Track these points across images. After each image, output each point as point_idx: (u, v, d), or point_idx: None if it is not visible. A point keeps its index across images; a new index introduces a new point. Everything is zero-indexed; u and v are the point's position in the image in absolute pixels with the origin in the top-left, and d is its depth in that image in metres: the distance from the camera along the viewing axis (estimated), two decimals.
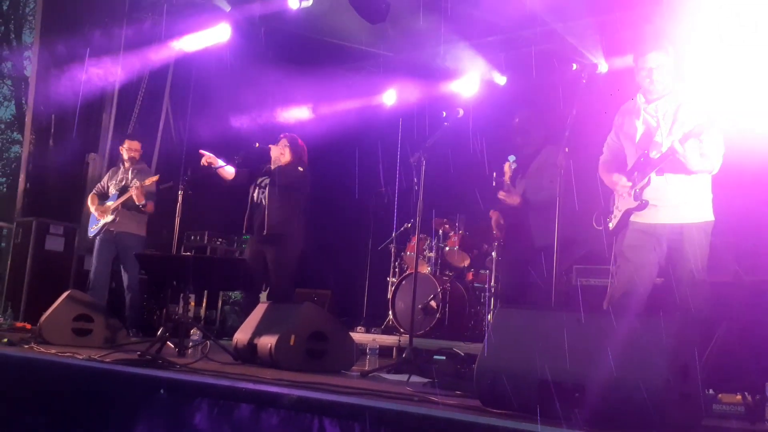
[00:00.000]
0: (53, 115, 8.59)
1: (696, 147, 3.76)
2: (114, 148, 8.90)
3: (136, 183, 6.87)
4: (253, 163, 6.28)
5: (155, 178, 6.53)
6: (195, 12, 8.48)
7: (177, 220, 6.23)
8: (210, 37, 8.54)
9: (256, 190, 6.11)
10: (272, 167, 6.06)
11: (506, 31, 7.73)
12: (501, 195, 5.15)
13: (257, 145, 6.17)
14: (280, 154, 6.06)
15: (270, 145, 6.12)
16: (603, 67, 4.21)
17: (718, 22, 5.98)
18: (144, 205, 6.79)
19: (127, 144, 7.19)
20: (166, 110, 9.47)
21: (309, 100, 8.91)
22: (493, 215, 5.57)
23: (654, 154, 3.93)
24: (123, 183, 7.04)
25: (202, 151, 6.12)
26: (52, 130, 8.65)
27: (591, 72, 4.21)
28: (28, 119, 8.79)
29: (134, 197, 6.75)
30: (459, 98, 7.94)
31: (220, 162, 6.12)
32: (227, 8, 8.24)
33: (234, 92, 8.74)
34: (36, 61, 8.71)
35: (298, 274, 6.20)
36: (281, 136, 6.19)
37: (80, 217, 8.65)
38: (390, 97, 9.00)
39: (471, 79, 8.02)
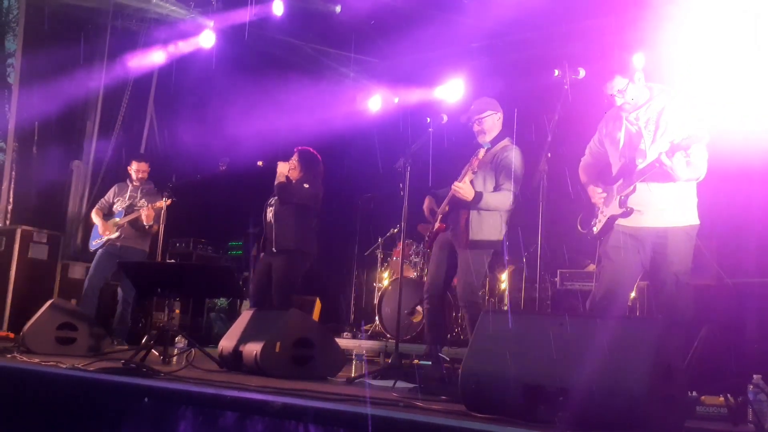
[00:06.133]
0: (36, 123, 8.55)
1: (683, 158, 3.74)
2: (98, 155, 8.90)
3: (144, 203, 6.87)
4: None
5: (168, 202, 6.34)
6: (179, 18, 8.47)
7: (161, 227, 6.20)
8: (194, 43, 8.55)
9: (267, 209, 6.02)
10: (276, 183, 5.92)
11: (489, 38, 7.77)
12: (457, 186, 4.77)
13: (260, 163, 6.02)
14: (290, 169, 5.93)
15: (278, 162, 5.96)
16: (585, 72, 4.21)
17: (703, 24, 6.02)
18: (151, 226, 6.78)
19: (135, 165, 7.13)
20: (150, 117, 9.45)
21: (294, 106, 8.90)
22: (428, 201, 5.28)
23: (640, 163, 3.91)
24: (130, 201, 7.01)
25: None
26: (36, 138, 8.61)
27: (573, 78, 4.19)
28: (11, 127, 8.73)
29: (143, 218, 6.73)
30: (443, 104, 7.95)
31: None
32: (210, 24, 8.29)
33: (218, 98, 8.73)
34: (19, 69, 8.66)
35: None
36: (295, 149, 6.02)
37: (64, 224, 8.61)
38: (375, 102, 9.01)
39: (455, 85, 8.03)
